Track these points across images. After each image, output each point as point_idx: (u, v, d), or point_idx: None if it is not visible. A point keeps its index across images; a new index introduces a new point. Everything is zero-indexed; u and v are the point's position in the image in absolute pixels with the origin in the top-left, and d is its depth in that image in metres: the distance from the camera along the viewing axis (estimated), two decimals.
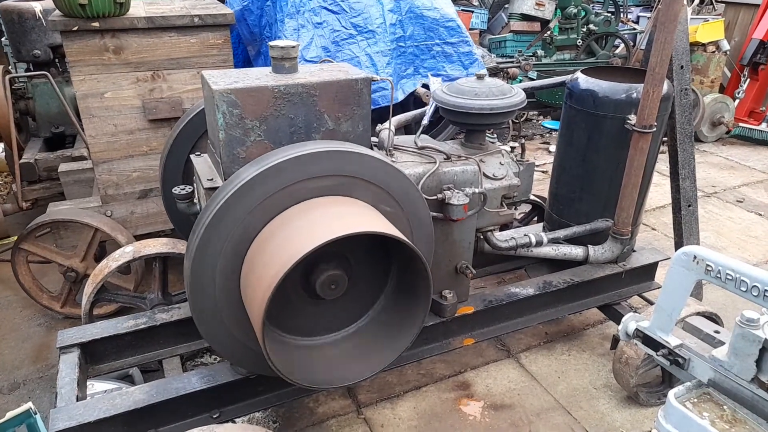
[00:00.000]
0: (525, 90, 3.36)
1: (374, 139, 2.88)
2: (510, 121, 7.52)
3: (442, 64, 5.20)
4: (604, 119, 3.16)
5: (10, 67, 5.36)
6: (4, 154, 5.88)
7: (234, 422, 2.72)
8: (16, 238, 4.08)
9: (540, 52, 7.69)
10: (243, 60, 5.40)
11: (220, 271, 2.17)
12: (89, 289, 3.30)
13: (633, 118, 2.95)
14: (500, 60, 7.56)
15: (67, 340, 2.83)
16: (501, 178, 2.98)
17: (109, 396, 2.49)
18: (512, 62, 7.48)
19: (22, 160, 5.09)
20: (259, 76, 2.36)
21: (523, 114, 8.52)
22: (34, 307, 4.20)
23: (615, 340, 3.50)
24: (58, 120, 5.44)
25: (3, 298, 4.40)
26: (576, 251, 3.34)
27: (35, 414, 2.53)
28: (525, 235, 3.27)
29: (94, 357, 2.93)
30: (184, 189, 2.62)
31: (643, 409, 3.35)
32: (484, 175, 2.96)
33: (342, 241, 1.93)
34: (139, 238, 4.04)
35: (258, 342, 2.01)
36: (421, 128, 3.15)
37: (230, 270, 2.19)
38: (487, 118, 2.87)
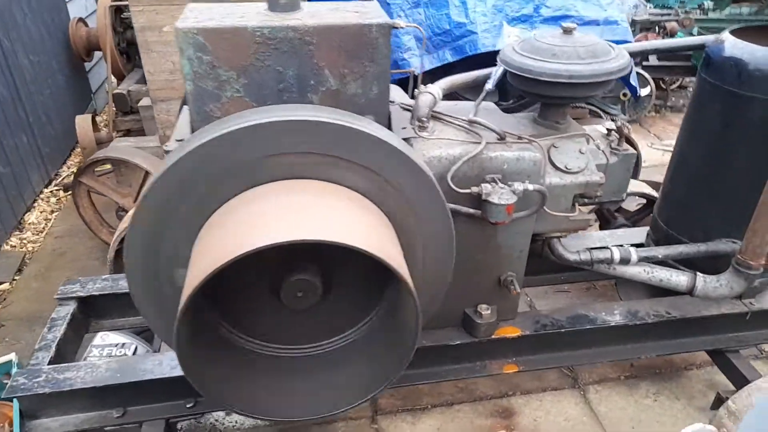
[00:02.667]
0: (640, 52, 2.47)
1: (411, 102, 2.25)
2: (652, 86, 6.26)
3: (572, 3, 4.22)
4: (752, 102, 2.21)
5: None
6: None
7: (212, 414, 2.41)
8: None
9: (708, 2, 6.12)
10: None
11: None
12: (115, 235, 3.14)
13: None
14: (655, 11, 6.20)
15: (67, 292, 2.67)
16: (576, 172, 2.21)
17: (78, 366, 2.28)
18: (670, 15, 6.10)
19: (115, 90, 5.14)
20: (245, 14, 1.84)
21: (678, 79, 7.05)
22: (98, 239, 4.24)
23: (718, 399, 2.65)
24: None
25: (77, 225, 4.50)
26: (678, 279, 2.47)
27: (14, 367, 2.41)
28: (607, 247, 2.47)
29: (96, 312, 2.76)
30: None
31: None
32: (553, 165, 2.21)
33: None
34: None
35: None
36: (482, 94, 2.43)
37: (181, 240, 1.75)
38: (565, 88, 2.09)
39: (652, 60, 6.37)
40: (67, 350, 2.51)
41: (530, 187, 2.05)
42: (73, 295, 2.66)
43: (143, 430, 2.31)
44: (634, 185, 3.79)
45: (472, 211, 2.11)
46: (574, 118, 4.21)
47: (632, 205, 3.92)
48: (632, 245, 2.93)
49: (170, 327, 1.74)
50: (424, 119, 2.15)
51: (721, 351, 2.72)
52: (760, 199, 2.14)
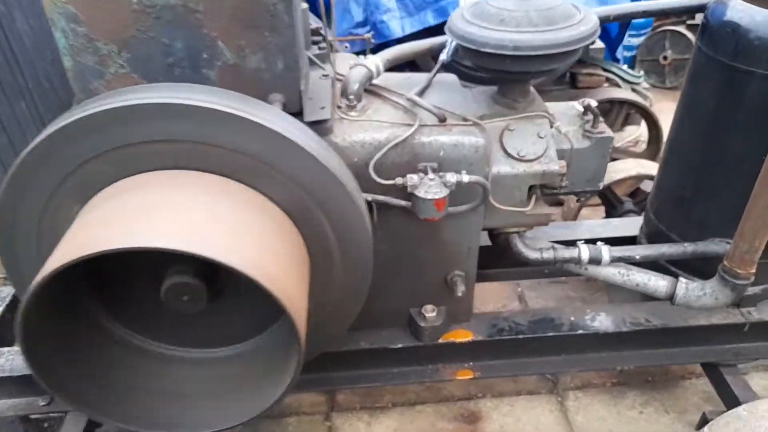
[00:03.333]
0: (623, 15, 2.10)
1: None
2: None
3: None
4: (750, 78, 1.82)
5: None
6: None
7: None
8: None
9: None
10: None
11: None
12: None
13: None
14: None
15: None
16: (531, 160, 1.90)
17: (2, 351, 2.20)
18: None
19: None
20: None
21: None
22: None
23: (704, 419, 2.33)
24: None
25: None
26: (656, 284, 2.13)
27: None
28: (576, 245, 2.15)
29: None
30: None
31: None
32: (504, 151, 1.91)
33: None
34: None
35: None
36: (437, 66, 2.13)
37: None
38: (513, 61, 1.76)
39: (698, 18, 5.71)
40: (5, 332, 2.44)
41: (465, 178, 1.77)
42: None
43: (67, 419, 2.23)
44: (648, 166, 3.39)
45: (404, 203, 1.84)
46: (586, 87, 3.87)
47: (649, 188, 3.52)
48: (626, 239, 2.63)
49: None
50: (352, 97, 1.88)
51: (715, 364, 2.38)
52: (751, 197, 1.77)
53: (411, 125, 1.83)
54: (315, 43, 2.22)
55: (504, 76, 1.90)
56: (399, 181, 1.76)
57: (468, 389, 2.80)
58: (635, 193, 3.46)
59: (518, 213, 1.97)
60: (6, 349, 2.23)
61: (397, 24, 3.48)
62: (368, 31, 3.45)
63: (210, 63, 1.65)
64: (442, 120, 1.87)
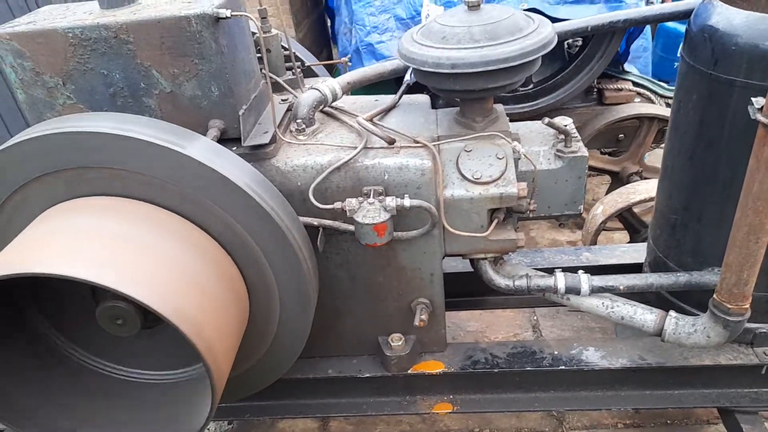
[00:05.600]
0: (599, 26, 1.94)
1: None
2: None
3: None
4: (730, 87, 1.60)
5: None
6: None
7: None
8: None
9: None
10: None
11: None
12: None
13: (760, 101, 1.39)
14: None
15: None
16: (487, 182, 1.78)
17: None
18: None
19: None
20: (69, 14, 1.69)
21: None
22: None
23: None
24: None
25: None
26: (643, 318, 1.91)
27: None
28: (552, 273, 1.98)
29: None
30: None
31: None
32: (460, 174, 1.80)
33: None
34: None
35: None
36: (402, 87, 2.07)
37: None
38: (454, 80, 1.66)
39: None
40: None
41: (407, 202, 1.68)
42: None
43: None
44: None
45: (351, 228, 1.78)
46: (614, 104, 3.62)
47: None
48: (631, 266, 2.41)
49: None
50: (299, 120, 1.85)
51: (731, 410, 2.09)
52: (733, 224, 1.55)
53: (352, 148, 1.77)
54: (289, 69, 2.24)
55: (452, 95, 1.80)
56: (338, 205, 1.70)
57: (466, 423, 2.64)
58: None
59: (476, 239, 1.84)
60: None
61: (395, 44, 3.42)
62: (364, 52, 3.43)
63: (148, 92, 1.69)
64: (390, 142, 1.79)
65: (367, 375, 2.10)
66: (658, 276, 1.92)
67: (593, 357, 2.05)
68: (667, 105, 3.57)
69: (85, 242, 1.40)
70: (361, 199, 1.70)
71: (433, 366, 2.10)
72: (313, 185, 1.73)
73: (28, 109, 1.75)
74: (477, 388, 2.14)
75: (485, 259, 1.98)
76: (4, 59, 1.66)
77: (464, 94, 1.78)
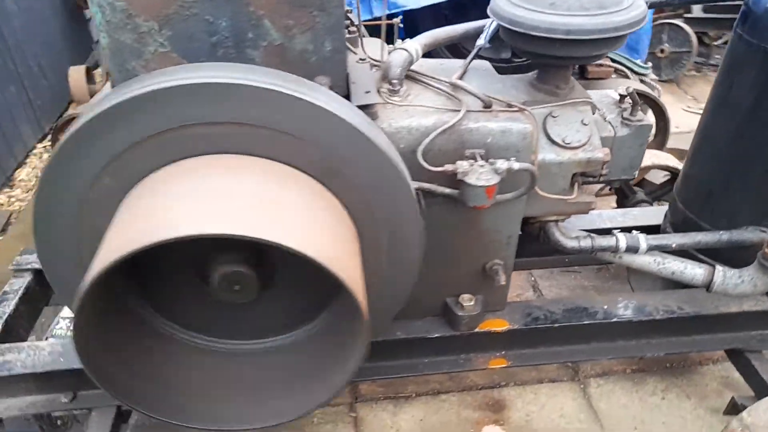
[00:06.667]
0: (666, 2, 2.07)
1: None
2: (694, 42, 5.63)
3: None
4: None
5: None
6: None
7: None
8: None
9: None
10: None
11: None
12: None
13: None
14: None
15: (23, 263, 2.49)
16: (576, 147, 1.87)
17: (19, 348, 2.10)
18: None
19: None
20: None
21: (723, 34, 6.38)
22: None
23: (734, 405, 2.35)
24: None
25: None
26: (693, 272, 2.13)
27: None
28: (612, 234, 2.14)
29: None
30: None
31: None
32: (549, 138, 1.87)
33: None
34: None
35: None
36: (474, 51, 2.08)
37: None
38: (563, 46, 1.72)
39: (696, 11, 5.75)
40: (20, 327, 2.34)
41: (516, 165, 1.73)
42: (29, 266, 2.47)
43: (92, 416, 2.15)
44: (659, 157, 3.40)
45: (448, 191, 1.80)
46: (595, 78, 3.85)
47: (658, 177, 3.53)
48: (647, 228, 2.62)
49: None
50: (395, 81, 1.82)
51: (741, 351, 2.39)
52: None
53: (457, 111, 1.78)
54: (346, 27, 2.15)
55: (549, 61, 1.86)
56: (449, 168, 1.71)
57: (491, 378, 2.79)
58: (641, 184, 3.48)
59: (560, 201, 1.94)
60: (26, 344, 2.14)
61: None
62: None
63: (255, 43, 1.58)
64: (488, 106, 1.82)
65: (436, 335, 2.15)
66: (704, 235, 2.13)
67: (639, 310, 2.25)
68: (642, 81, 3.87)
69: (233, 201, 1.31)
70: (471, 161, 1.72)
71: (498, 324, 2.19)
72: (421, 147, 1.72)
73: (110, 56, 1.57)
74: (533, 342, 2.27)
75: (555, 221, 2.09)
76: None
77: (559, 61, 1.84)
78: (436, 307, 2.19)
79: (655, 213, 2.71)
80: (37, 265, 2.48)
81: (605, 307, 2.25)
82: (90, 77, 4.72)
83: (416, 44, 1.94)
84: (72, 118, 3.53)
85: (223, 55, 1.58)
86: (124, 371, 1.45)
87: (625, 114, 2.02)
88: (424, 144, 1.72)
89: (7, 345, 2.12)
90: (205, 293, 1.58)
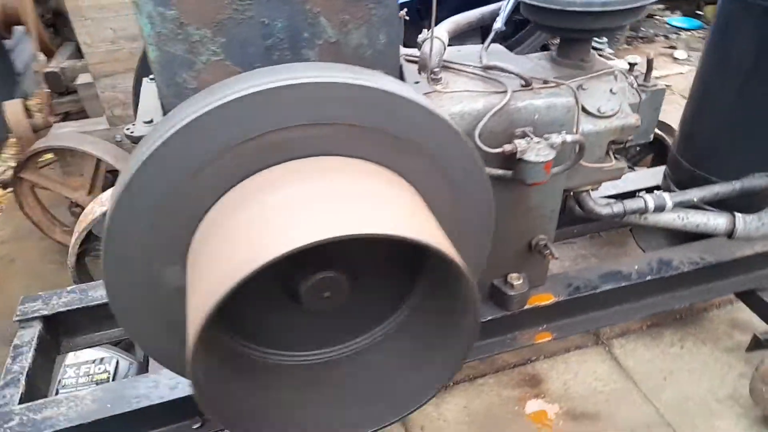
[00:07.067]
0: None
1: (415, 53, 1.92)
2: None
3: None
4: None
5: None
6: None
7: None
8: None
9: None
10: None
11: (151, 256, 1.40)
12: (73, 238, 2.73)
13: None
14: None
15: (28, 312, 2.27)
16: (611, 116, 1.94)
17: (57, 402, 1.93)
18: None
19: (47, 69, 4.53)
20: None
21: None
22: (51, 240, 3.77)
23: (756, 341, 2.52)
24: None
25: (24, 226, 4.00)
26: (716, 222, 2.28)
27: None
28: (639, 196, 2.24)
29: (67, 329, 2.38)
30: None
31: None
32: (584, 110, 1.93)
33: None
34: None
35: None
36: (491, 35, 2.11)
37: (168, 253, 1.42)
38: (598, 18, 1.79)
39: None
40: (40, 381, 2.15)
41: (568, 138, 1.77)
42: (36, 314, 2.26)
43: None
44: None
45: (501, 172, 1.82)
46: None
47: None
48: (647, 190, 2.76)
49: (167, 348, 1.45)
50: (437, 70, 1.82)
51: (753, 291, 2.57)
52: None
53: (500, 92, 1.80)
54: None
55: (580, 35, 1.92)
56: (507, 148, 1.73)
57: (521, 354, 2.84)
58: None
59: (597, 170, 2.01)
60: (61, 396, 1.96)
61: None
62: None
63: (311, 42, 1.52)
64: (528, 84, 1.85)
65: (489, 318, 2.17)
66: (720, 186, 2.28)
67: (667, 265, 2.36)
68: (600, 55, 4.06)
69: (342, 203, 1.26)
70: (528, 139, 1.75)
71: (544, 298, 2.24)
72: (477, 131, 1.72)
73: (159, 70, 1.47)
74: (574, 312, 2.34)
75: (587, 191, 2.16)
76: (142, 8, 1.37)
77: (588, 33, 1.90)
78: (482, 292, 2.20)
79: (652, 174, 2.86)
80: (45, 312, 2.29)
81: (636, 267, 2.36)
82: (27, 110, 4.39)
83: (443, 32, 1.95)
84: (34, 154, 3.28)
85: (278, 58, 1.51)
86: (234, 407, 1.36)
87: (640, 80, 2.13)
88: (479, 127, 1.72)
89: (40, 401, 1.94)
90: (289, 310, 1.52)
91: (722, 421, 2.50)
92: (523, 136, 1.78)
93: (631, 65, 2.18)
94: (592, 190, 2.16)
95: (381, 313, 1.64)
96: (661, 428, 2.49)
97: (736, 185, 2.27)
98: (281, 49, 1.51)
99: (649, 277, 2.32)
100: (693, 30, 6.59)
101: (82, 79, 3.99)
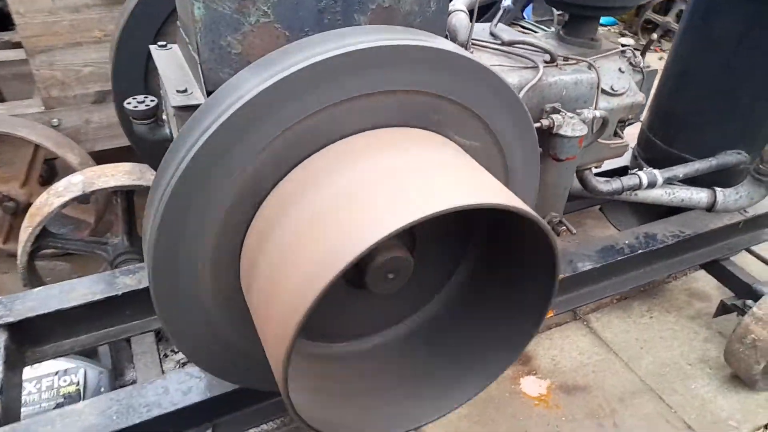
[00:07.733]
0: None
1: None
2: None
3: None
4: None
5: None
6: None
7: None
8: None
9: None
10: None
11: (205, 254, 1.26)
12: (24, 234, 2.38)
13: None
14: None
15: None
16: (622, 93, 2.00)
17: (50, 420, 1.67)
18: None
19: None
20: None
21: None
22: None
23: (723, 307, 2.72)
24: None
25: None
26: (699, 196, 2.43)
27: None
28: (633, 173, 2.34)
29: (33, 337, 2.07)
30: (143, 102, 1.63)
31: (754, 394, 2.63)
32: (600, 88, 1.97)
33: None
34: (97, 156, 3.07)
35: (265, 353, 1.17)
36: (500, 13, 2.10)
37: (223, 251, 1.28)
38: None
39: None
40: (13, 398, 1.85)
41: (598, 113, 1.81)
42: (0, 321, 1.95)
43: None
44: None
45: None
46: None
47: None
48: (619, 170, 2.91)
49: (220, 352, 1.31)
50: (468, 44, 1.77)
51: (716, 261, 2.79)
52: None
53: (532, 68, 1.79)
54: None
55: (595, 12, 1.95)
56: (545, 122, 1.72)
57: None
58: None
59: (605, 147, 2.07)
60: (54, 413, 1.70)
61: None
62: None
63: (363, 7, 1.42)
64: (554, 60, 1.86)
65: None
66: (699, 162, 2.43)
67: (653, 238, 2.49)
68: None
69: (431, 179, 1.19)
70: (563, 114, 1.76)
71: None
72: None
73: (203, 30, 1.30)
74: (572, 287, 2.40)
75: (589, 169, 2.22)
76: None
77: (601, 11, 1.94)
78: None
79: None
80: (10, 319, 1.98)
81: (626, 242, 2.46)
82: None
83: (462, 5, 1.91)
84: None
85: (329, 22, 1.40)
86: (320, 409, 1.25)
87: (634, 61, 2.21)
88: None
89: (28, 421, 1.67)
90: (349, 299, 1.42)
91: (696, 382, 2.69)
92: (554, 111, 1.79)
93: (624, 47, 2.26)
94: (595, 168, 2.23)
95: (438, 281, 1.58)
96: (647, 394, 2.63)
97: (712, 162, 2.44)
98: (333, 13, 1.39)
99: (640, 251, 2.43)
100: (609, 26, 7.05)
101: (5, 56, 3.51)
